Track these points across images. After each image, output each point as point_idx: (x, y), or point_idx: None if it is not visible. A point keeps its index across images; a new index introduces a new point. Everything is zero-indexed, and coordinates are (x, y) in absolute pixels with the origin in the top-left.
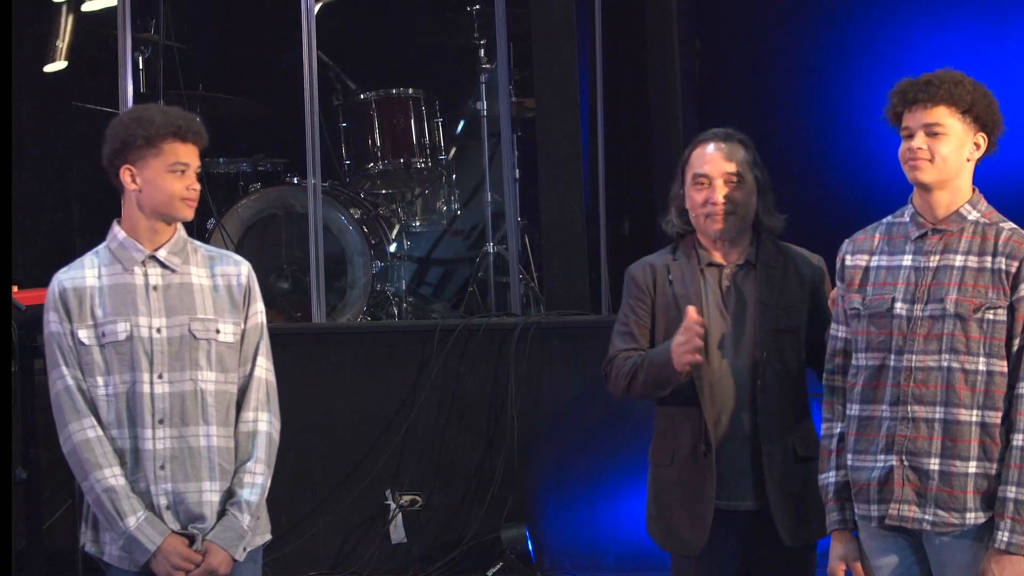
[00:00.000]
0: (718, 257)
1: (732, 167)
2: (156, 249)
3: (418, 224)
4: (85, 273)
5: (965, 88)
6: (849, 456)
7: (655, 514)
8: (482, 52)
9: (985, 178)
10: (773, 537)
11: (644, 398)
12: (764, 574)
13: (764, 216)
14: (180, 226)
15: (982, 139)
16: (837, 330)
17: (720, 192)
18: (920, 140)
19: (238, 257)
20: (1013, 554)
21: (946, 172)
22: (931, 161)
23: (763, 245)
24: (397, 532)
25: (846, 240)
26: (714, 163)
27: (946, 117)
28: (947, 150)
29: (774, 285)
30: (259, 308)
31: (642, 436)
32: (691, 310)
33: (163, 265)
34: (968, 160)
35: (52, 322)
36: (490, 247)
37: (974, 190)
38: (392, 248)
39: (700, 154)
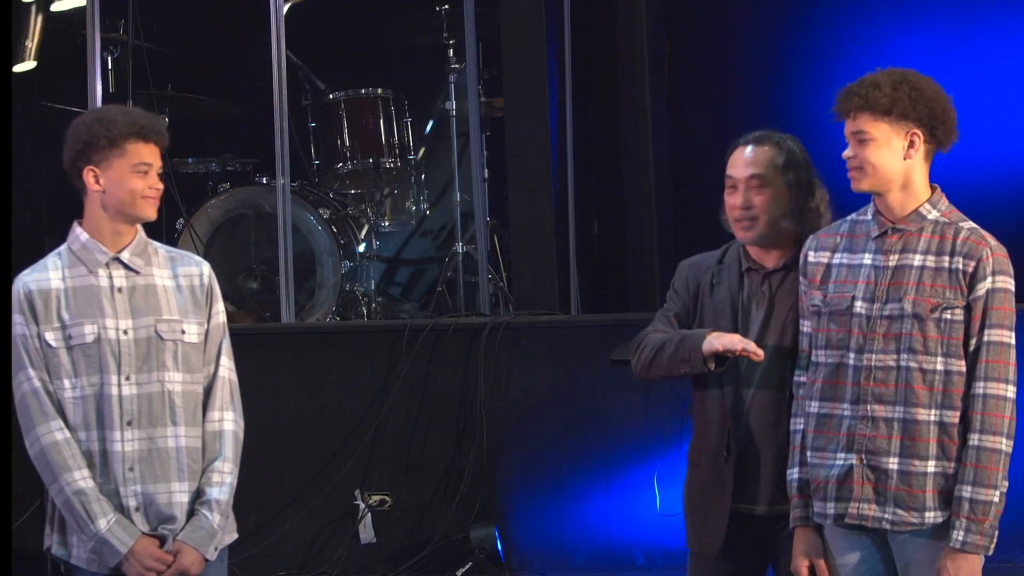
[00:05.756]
0: (759, 260)
1: (754, 169)
2: (119, 251)
3: (387, 224)
4: (49, 275)
5: (882, 91)
6: (808, 453)
7: (686, 512)
8: (451, 52)
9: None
10: (790, 537)
11: (662, 376)
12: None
13: (798, 218)
14: (140, 228)
15: (918, 135)
16: (804, 325)
17: (741, 196)
18: (851, 149)
19: (198, 258)
20: (968, 553)
21: (880, 178)
22: (862, 169)
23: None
24: (366, 532)
25: (810, 236)
26: (738, 165)
27: (868, 124)
28: (875, 157)
29: None
30: (220, 308)
31: (610, 436)
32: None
33: (127, 267)
34: (907, 159)
35: (18, 324)
36: (459, 247)
37: (934, 189)
38: (361, 248)
39: (732, 156)
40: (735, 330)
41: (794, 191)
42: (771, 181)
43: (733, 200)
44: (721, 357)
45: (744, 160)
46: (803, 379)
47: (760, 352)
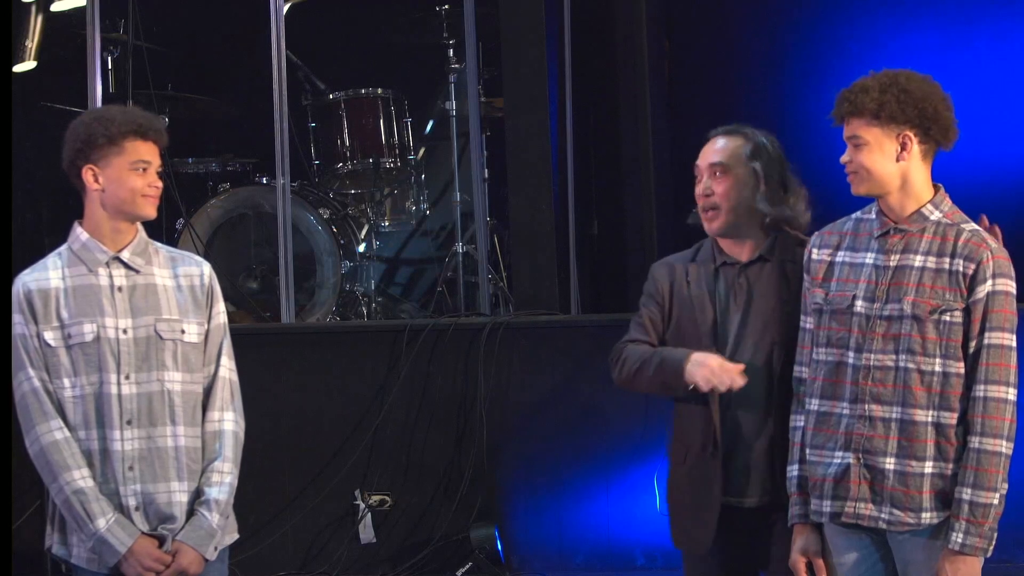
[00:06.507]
0: (733, 254)
1: (715, 158)
2: (120, 250)
3: (387, 224)
4: (49, 275)
5: (870, 95)
6: (807, 450)
7: (671, 512)
8: (451, 52)
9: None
10: (783, 529)
11: (644, 392)
12: (775, 567)
13: (763, 208)
14: (141, 227)
15: (910, 137)
16: (805, 322)
17: (703, 184)
18: (847, 154)
19: (199, 258)
20: (967, 555)
21: (876, 181)
22: (858, 174)
23: (782, 239)
24: (366, 532)
25: (815, 233)
26: (703, 155)
27: (860, 128)
28: (869, 161)
29: (791, 279)
30: (221, 308)
31: (610, 436)
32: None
33: (127, 266)
34: (901, 161)
35: (18, 324)
36: (459, 247)
37: (937, 189)
38: (361, 248)
39: (702, 148)
40: (714, 325)
41: (759, 179)
42: (732, 169)
43: (697, 189)
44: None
45: (709, 150)
46: (804, 376)
47: (740, 380)
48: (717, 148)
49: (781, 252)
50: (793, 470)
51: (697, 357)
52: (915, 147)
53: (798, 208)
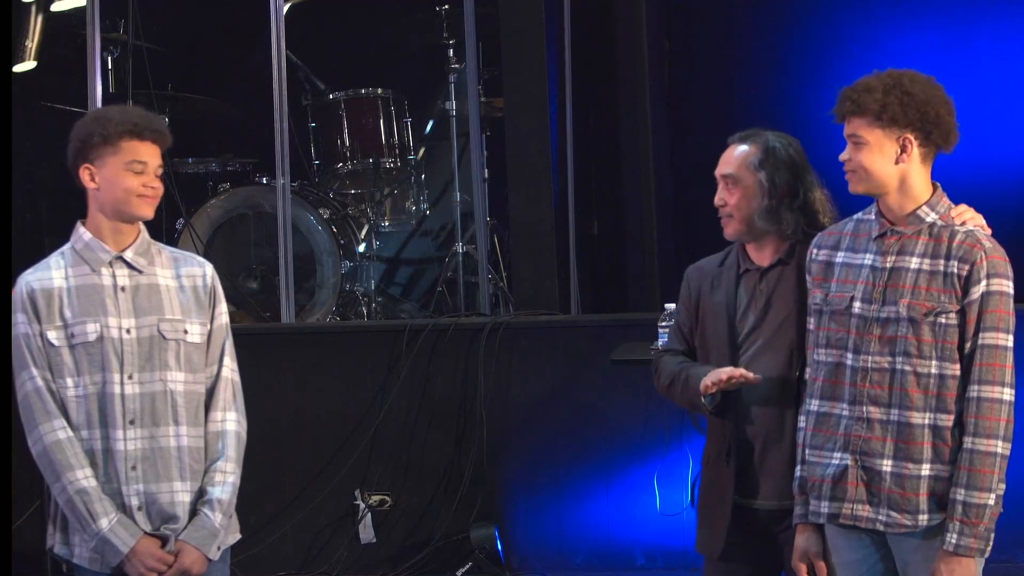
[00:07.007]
0: (755, 259)
1: (726, 169)
2: (122, 250)
3: (387, 224)
4: (52, 274)
5: (873, 96)
6: (807, 451)
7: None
8: (451, 52)
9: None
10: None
11: (681, 406)
12: (787, 568)
13: (772, 217)
14: (143, 228)
15: (911, 140)
16: (809, 323)
17: (718, 195)
18: (847, 152)
19: (201, 259)
20: (962, 556)
21: (875, 181)
22: (856, 173)
23: (806, 243)
24: (366, 532)
25: (818, 233)
26: (719, 165)
27: (861, 127)
28: (868, 161)
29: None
30: (224, 308)
31: (610, 436)
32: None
33: (130, 266)
34: (900, 163)
35: (20, 323)
36: (459, 247)
37: (935, 189)
38: (361, 248)
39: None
40: (730, 331)
41: (767, 190)
42: (741, 180)
43: (715, 199)
44: (716, 394)
45: (722, 160)
46: (808, 377)
47: (749, 375)
48: (728, 159)
49: (801, 256)
50: (798, 471)
51: (710, 371)
52: (915, 150)
53: (817, 210)
